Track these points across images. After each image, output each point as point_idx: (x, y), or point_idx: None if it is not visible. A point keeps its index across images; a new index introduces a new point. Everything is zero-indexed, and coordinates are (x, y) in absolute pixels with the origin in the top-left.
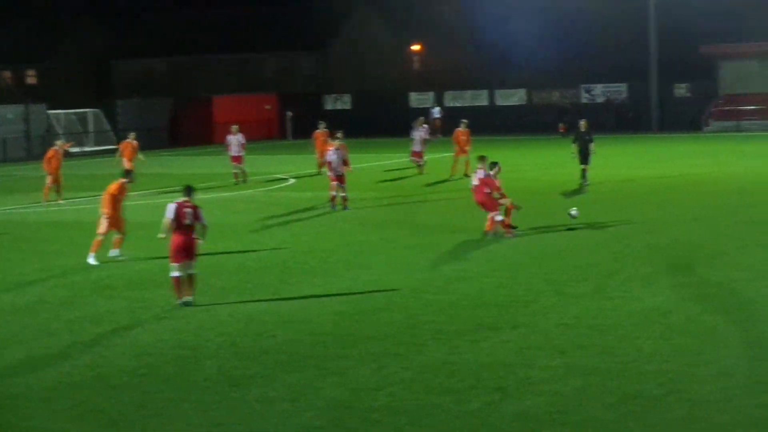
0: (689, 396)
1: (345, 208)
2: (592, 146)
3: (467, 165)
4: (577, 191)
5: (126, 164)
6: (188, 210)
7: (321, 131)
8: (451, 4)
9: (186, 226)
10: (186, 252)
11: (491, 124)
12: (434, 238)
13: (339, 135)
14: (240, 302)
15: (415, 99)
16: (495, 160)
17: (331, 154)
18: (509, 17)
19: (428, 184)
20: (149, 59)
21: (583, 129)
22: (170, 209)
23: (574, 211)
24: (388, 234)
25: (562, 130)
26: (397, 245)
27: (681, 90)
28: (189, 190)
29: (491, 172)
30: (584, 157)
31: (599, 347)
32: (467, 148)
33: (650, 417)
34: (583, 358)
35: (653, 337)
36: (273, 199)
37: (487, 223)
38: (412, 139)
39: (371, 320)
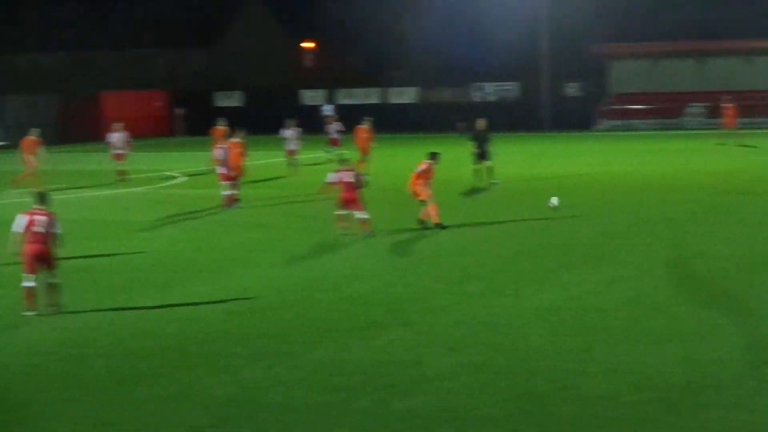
0: (578, 393)
1: (237, 206)
2: (490, 145)
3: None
4: (478, 190)
5: (29, 161)
6: (41, 218)
7: (220, 128)
8: (344, 1)
9: (40, 234)
10: (42, 261)
11: (383, 121)
12: (326, 236)
13: (240, 133)
14: (129, 300)
15: (308, 96)
16: (436, 151)
17: (219, 152)
18: (401, 15)
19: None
20: (35, 54)
21: (481, 128)
22: (19, 222)
23: (555, 201)
24: (280, 232)
25: (460, 129)
26: (289, 243)
27: (572, 89)
28: (42, 198)
29: (431, 162)
30: (481, 155)
31: (490, 345)
32: (369, 145)
33: (540, 414)
34: (473, 355)
35: (543, 334)
36: (163, 197)
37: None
38: (284, 139)
39: (262, 318)
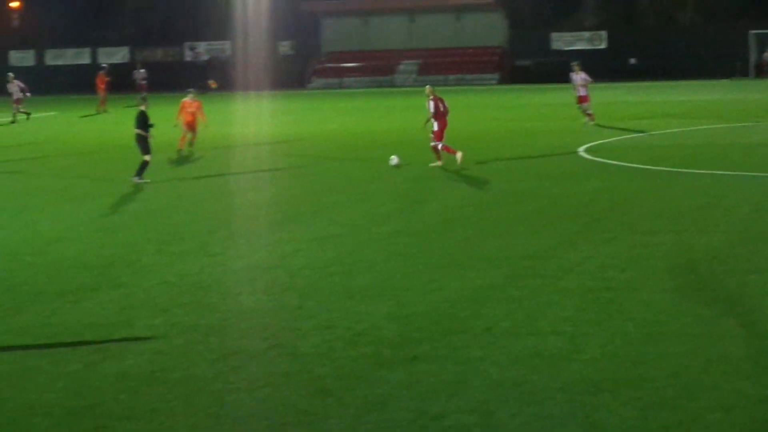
0: (291, 350)
1: None
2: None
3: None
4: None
5: None
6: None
7: None
8: None
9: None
10: None
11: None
12: (31, 200)
13: None
14: None
15: (15, 57)
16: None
17: None
18: None
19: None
20: None
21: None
22: None
23: (394, 160)
24: None
25: (213, 86)
26: None
27: (285, 47)
28: None
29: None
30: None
31: (202, 304)
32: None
33: (251, 371)
34: (185, 315)
35: (256, 292)
36: None
37: None
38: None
39: None
